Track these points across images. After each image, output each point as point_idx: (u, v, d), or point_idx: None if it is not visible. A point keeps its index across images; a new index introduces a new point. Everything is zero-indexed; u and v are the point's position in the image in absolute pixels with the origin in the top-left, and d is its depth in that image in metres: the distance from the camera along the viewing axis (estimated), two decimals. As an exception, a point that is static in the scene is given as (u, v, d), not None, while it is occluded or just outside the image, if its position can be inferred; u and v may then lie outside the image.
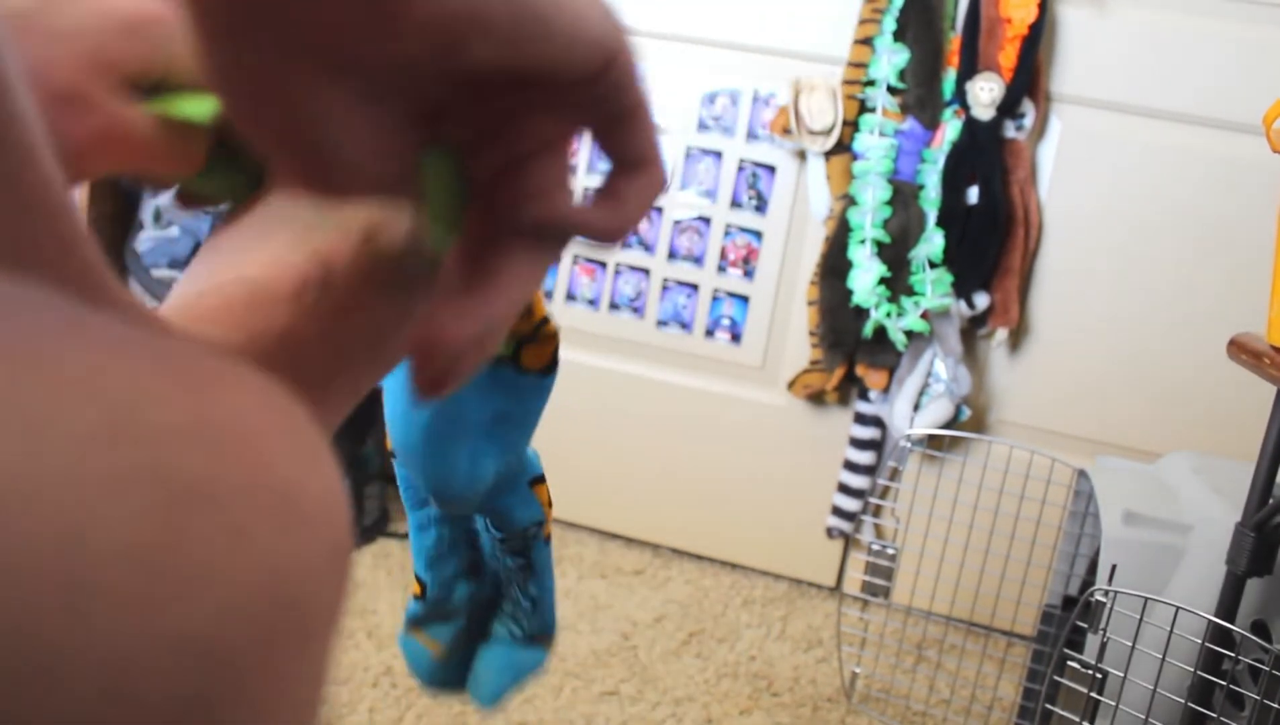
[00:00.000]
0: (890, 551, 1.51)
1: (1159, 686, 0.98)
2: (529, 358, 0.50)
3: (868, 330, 1.69)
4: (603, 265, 1.91)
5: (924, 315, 1.67)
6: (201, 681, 0.17)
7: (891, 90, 1.68)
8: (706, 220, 1.85)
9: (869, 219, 1.68)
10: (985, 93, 1.63)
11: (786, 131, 1.73)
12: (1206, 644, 0.98)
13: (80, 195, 1.81)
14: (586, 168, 1.91)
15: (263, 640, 0.18)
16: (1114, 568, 1.09)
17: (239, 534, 0.18)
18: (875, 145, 1.67)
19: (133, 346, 0.19)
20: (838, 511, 1.80)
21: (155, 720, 0.17)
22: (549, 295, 1.93)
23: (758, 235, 1.84)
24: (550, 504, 0.55)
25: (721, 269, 1.86)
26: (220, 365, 0.20)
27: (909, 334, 1.69)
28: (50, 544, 0.16)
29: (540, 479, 0.55)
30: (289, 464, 0.19)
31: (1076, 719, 1.04)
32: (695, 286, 1.87)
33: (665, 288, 1.88)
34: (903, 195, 1.69)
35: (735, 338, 1.87)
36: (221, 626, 0.17)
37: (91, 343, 0.18)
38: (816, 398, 1.82)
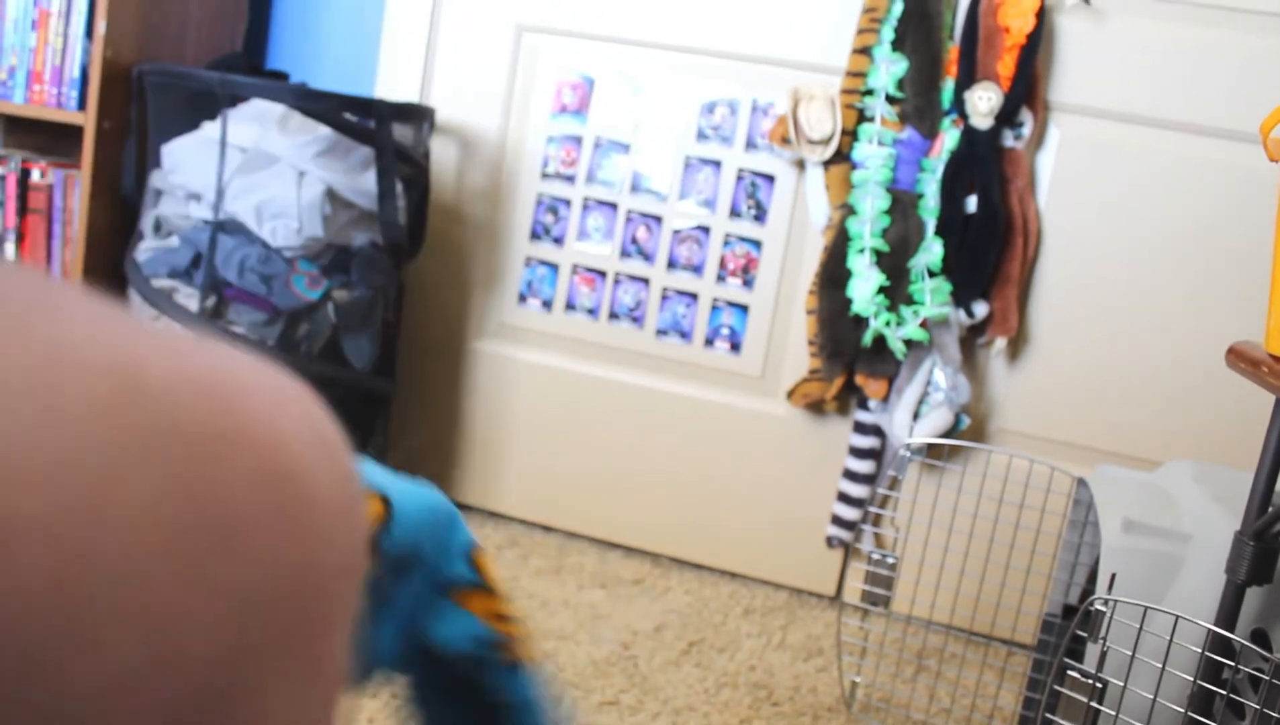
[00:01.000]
0: (890, 560, 1.51)
1: (1159, 696, 0.98)
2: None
3: (867, 339, 1.69)
4: (602, 275, 1.91)
5: (923, 324, 1.67)
6: (221, 673, 0.17)
7: (890, 99, 1.68)
8: (706, 230, 1.86)
9: (868, 228, 1.68)
10: (983, 102, 1.63)
11: (785, 141, 1.73)
12: (1206, 653, 0.97)
13: (80, 205, 1.81)
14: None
15: (281, 635, 0.18)
16: (1113, 576, 1.09)
17: (258, 532, 0.18)
18: (874, 154, 1.68)
19: (123, 315, 0.18)
20: (837, 520, 1.80)
21: (175, 710, 0.17)
22: (548, 306, 1.94)
23: (757, 245, 1.84)
24: (499, 617, 0.42)
25: (721, 278, 1.86)
26: (217, 344, 0.20)
27: (908, 343, 1.69)
28: (68, 520, 0.15)
29: (461, 585, 0.41)
30: (307, 468, 0.19)
31: (1077, 728, 1.03)
32: (694, 296, 1.87)
33: (665, 297, 1.89)
34: (901, 204, 1.69)
35: (735, 347, 1.87)
36: (241, 621, 0.17)
37: (83, 310, 0.18)
38: (816, 407, 1.82)
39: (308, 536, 0.19)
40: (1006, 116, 1.64)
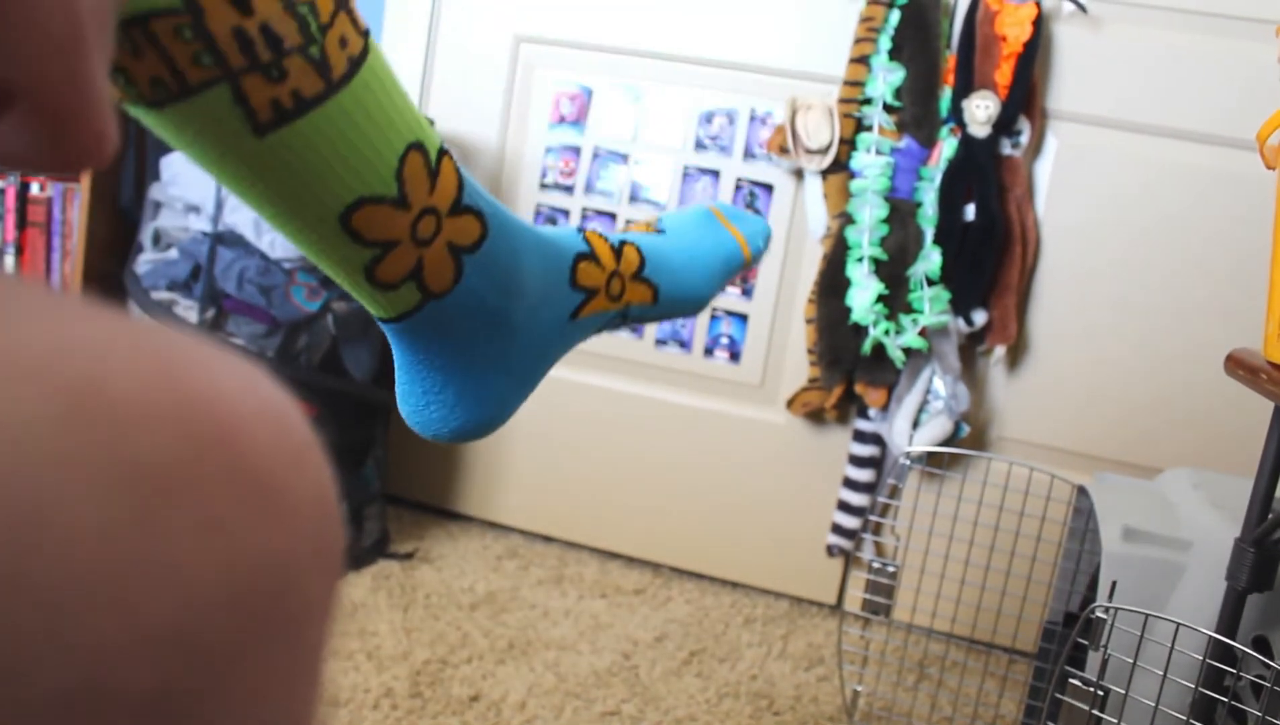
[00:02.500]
0: (891, 569, 1.51)
1: (1161, 703, 0.98)
2: None
3: (866, 348, 1.69)
4: (601, 284, 1.91)
5: (922, 332, 1.67)
6: (181, 675, 0.17)
7: (888, 108, 1.68)
8: (704, 239, 1.85)
9: (866, 237, 1.68)
10: (981, 110, 1.64)
11: (783, 150, 1.73)
12: (1208, 660, 0.97)
13: (80, 218, 1.82)
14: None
15: (244, 635, 0.18)
16: (1114, 584, 1.08)
17: (215, 525, 0.17)
18: (872, 163, 1.68)
19: (101, 326, 0.18)
20: (838, 529, 1.80)
21: (133, 716, 0.16)
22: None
23: (756, 253, 1.84)
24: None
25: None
26: (199, 349, 0.19)
27: (907, 351, 1.69)
28: (7, 527, 0.15)
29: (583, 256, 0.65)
30: (270, 454, 0.19)
31: (1078, 737, 1.03)
32: (694, 305, 1.87)
33: (664, 306, 1.88)
34: (900, 213, 1.69)
35: (734, 356, 1.87)
36: (199, 619, 0.17)
37: (53, 319, 0.17)
38: (816, 416, 1.82)
39: (269, 553, 0.18)
40: (1004, 125, 1.64)
